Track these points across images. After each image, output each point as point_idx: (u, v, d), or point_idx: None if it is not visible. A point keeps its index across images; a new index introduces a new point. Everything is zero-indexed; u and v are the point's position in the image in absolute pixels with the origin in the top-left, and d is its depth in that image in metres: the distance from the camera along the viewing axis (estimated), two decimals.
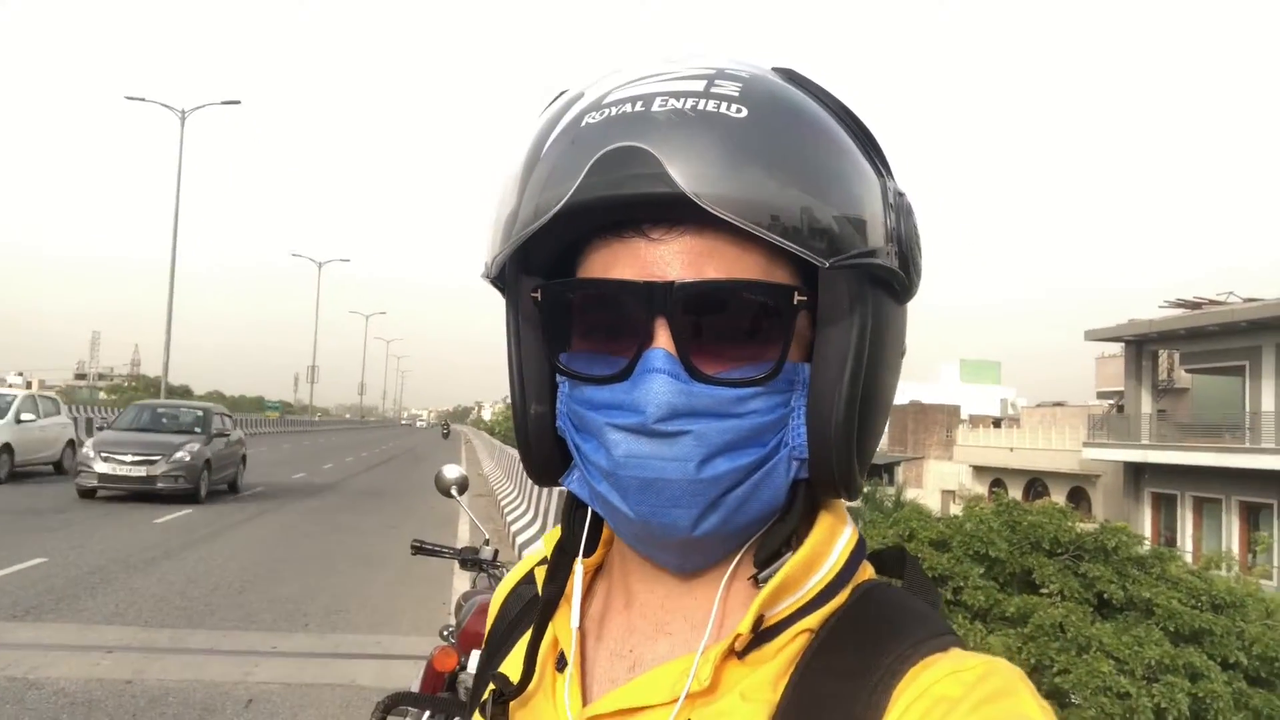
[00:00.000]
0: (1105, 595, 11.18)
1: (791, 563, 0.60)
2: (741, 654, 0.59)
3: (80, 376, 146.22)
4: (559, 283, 0.61)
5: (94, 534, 11.46)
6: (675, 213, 0.55)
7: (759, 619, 0.58)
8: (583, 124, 0.57)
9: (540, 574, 0.71)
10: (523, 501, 14.20)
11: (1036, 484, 33.28)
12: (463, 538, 12.11)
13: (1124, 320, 29.54)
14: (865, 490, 22.59)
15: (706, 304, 0.56)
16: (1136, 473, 27.92)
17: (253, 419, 57.26)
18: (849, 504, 0.69)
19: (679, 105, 0.55)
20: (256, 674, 6.15)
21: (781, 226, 0.54)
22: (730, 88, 0.57)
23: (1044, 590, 10.92)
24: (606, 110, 0.57)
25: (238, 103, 42.48)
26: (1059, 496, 30.54)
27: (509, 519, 14.09)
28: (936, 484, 39.45)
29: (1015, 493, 28.06)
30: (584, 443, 0.61)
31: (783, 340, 0.57)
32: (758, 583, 0.61)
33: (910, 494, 27.55)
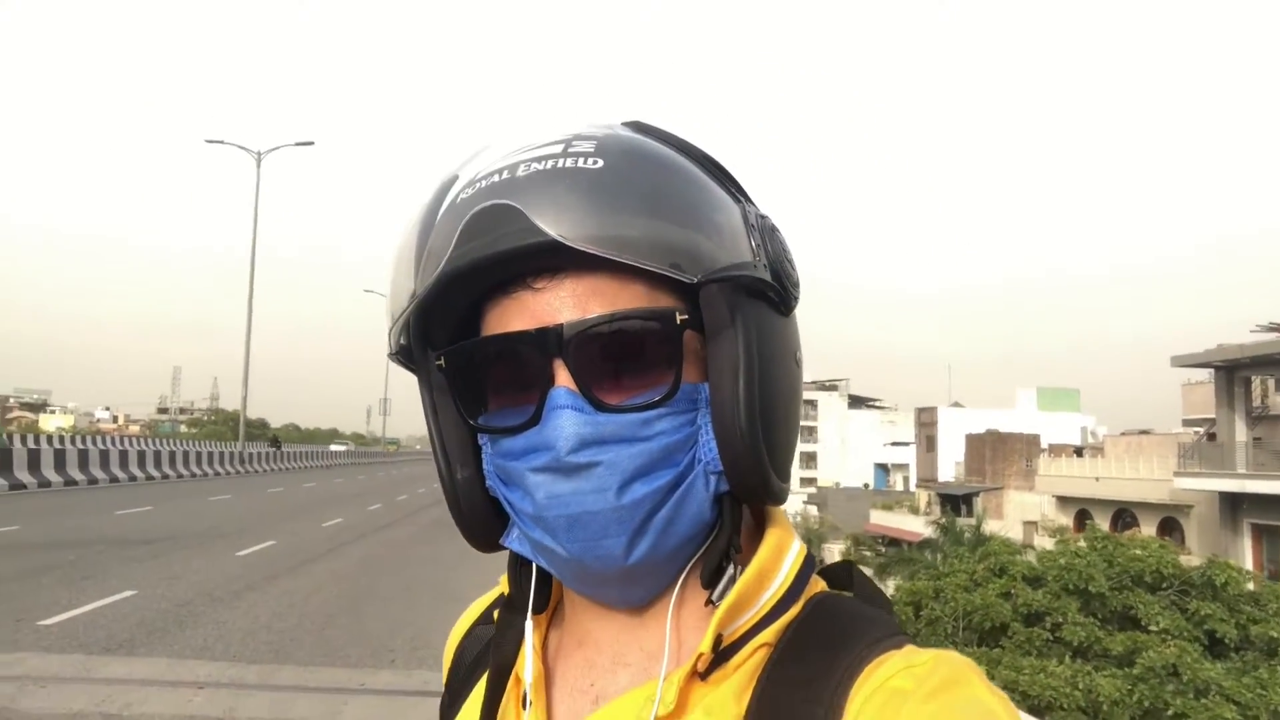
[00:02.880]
0: (1217, 634, 10.62)
1: (743, 580, 0.61)
2: (704, 674, 0.60)
3: (162, 411, 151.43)
4: (457, 346, 0.63)
5: (180, 566, 11.64)
6: (554, 261, 0.59)
7: (719, 638, 0.60)
8: (457, 200, 0.61)
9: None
10: None
11: (1125, 515, 32.00)
12: None
13: (1213, 345, 28.43)
14: (942, 522, 22.00)
15: (596, 338, 0.59)
16: (1234, 503, 26.66)
17: (303, 451, 58.01)
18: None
19: (541, 167, 0.59)
20: (346, 713, 6.10)
21: (650, 255, 0.57)
22: (586, 145, 0.60)
23: (1150, 628, 10.40)
24: (477, 184, 0.61)
25: (311, 144, 43.89)
26: (1149, 528, 29.34)
27: None
28: (1018, 515, 38.24)
29: (1102, 524, 26.97)
30: (512, 494, 0.63)
31: (675, 360, 0.60)
32: (711, 604, 0.62)
33: (991, 525, 26.70)
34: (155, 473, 31.51)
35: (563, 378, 0.59)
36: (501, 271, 0.60)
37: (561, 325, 0.59)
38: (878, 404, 73.17)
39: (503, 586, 0.73)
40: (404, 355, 0.67)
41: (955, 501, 40.09)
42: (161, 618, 8.60)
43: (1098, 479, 33.16)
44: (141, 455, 31.50)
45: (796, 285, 0.66)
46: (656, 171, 0.61)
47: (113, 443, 30.89)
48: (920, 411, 57.00)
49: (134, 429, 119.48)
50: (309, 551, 14.09)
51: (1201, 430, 33.08)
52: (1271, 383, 28.83)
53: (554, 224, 0.56)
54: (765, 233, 0.65)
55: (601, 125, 0.65)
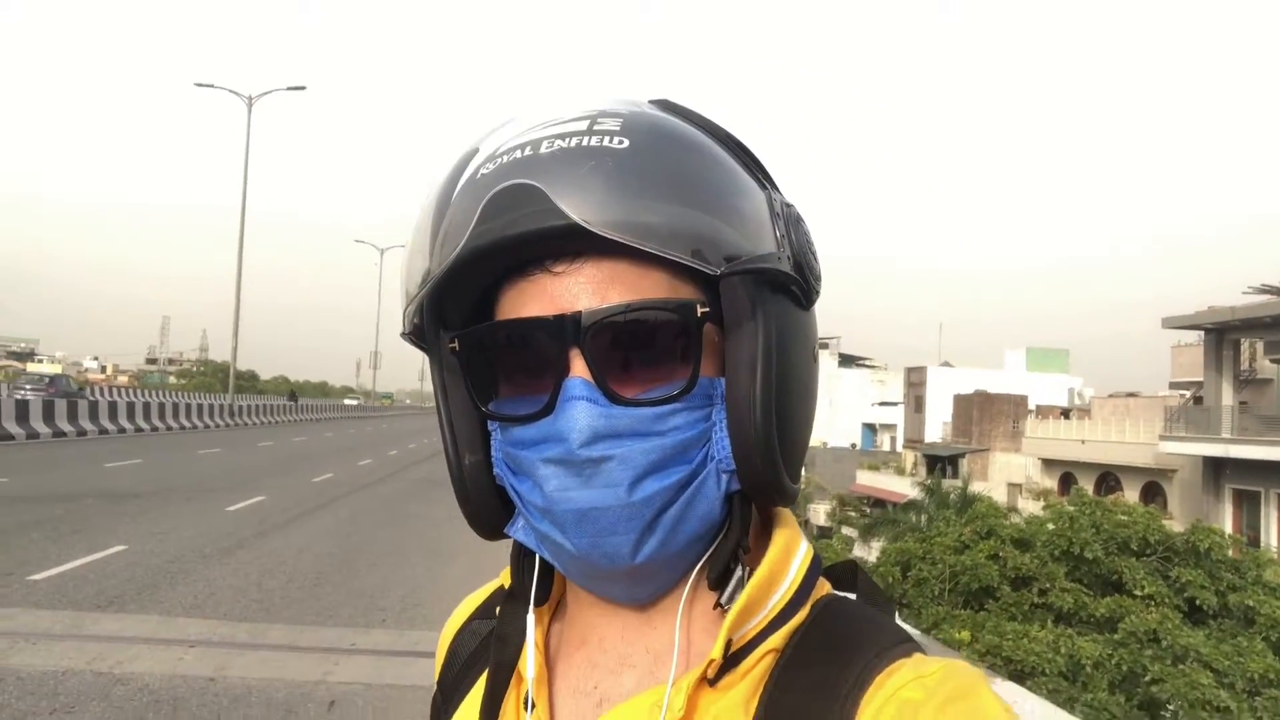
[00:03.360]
0: (1197, 601, 10.77)
1: (752, 584, 0.61)
2: (713, 680, 0.59)
3: (151, 361, 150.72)
4: (472, 330, 0.62)
5: (170, 521, 11.65)
6: (575, 245, 0.57)
7: (728, 643, 0.59)
8: (478, 176, 0.59)
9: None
10: None
11: (1109, 478, 32.31)
12: None
13: (1203, 307, 28.50)
14: (928, 484, 22.19)
15: (614, 328, 0.57)
16: (1217, 468, 26.93)
17: (318, 404, 58.15)
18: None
19: (565, 144, 0.57)
20: (337, 673, 6.12)
21: (673, 243, 0.55)
22: (612, 123, 0.58)
23: (1134, 593, 10.55)
24: (499, 160, 0.58)
25: (303, 88, 43.33)
26: (1132, 492, 29.65)
27: None
28: (1003, 476, 38.56)
29: (1087, 487, 27.21)
30: (520, 484, 0.61)
31: (693, 354, 0.59)
32: (720, 606, 0.61)
33: (975, 487, 26.88)
34: (145, 425, 31.49)
35: (578, 367, 0.58)
36: (520, 252, 0.58)
37: (580, 313, 0.57)
38: (868, 363, 73.29)
39: (501, 579, 0.71)
40: (416, 335, 0.66)
41: (941, 463, 40.36)
42: (151, 574, 8.62)
43: (1083, 442, 33.41)
44: (131, 407, 31.48)
45: (819, 278, 0.65)
46: (683, 155, 0.59)
47: (102, 394, 30.81)
48: (910, 371, 57.17)
49: (123, 379, 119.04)
50: (300, 507, 14.12)
51: (1188, 394, 33.29)
52: (1260, 346, 28.97)
53: (577, 207, 0.54)
54: (790, 222, 0.64)
55: (627, 102, 0.63)
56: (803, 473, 0.66)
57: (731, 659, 0.60)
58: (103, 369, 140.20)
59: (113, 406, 30.17)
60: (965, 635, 9.23)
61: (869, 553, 20.69)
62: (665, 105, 0.64)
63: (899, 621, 0.65)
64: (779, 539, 0.64)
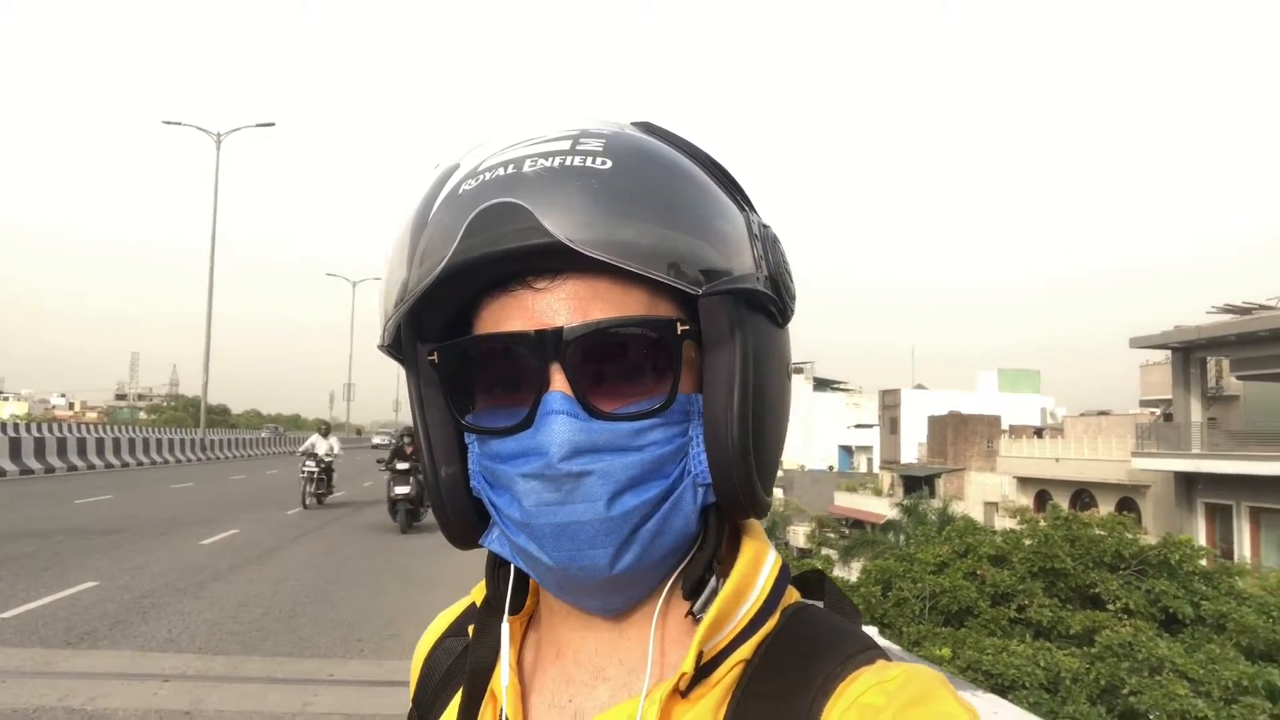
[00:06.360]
0: (1172, 611, 10.87)
1: (723, 595, 0.61)
2: (685, 692, 0.60)
3: (120, 397, 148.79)
4: (453, 343, 0.62)
5: (142, 556, 11.47)
6: (557, 262, 0.58)
7: (699, 655, 0.59)
8: (459, 191, 0.59)
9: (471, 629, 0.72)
10: None
11: (1084, 495, 32.58)
12: None
13: (1170, 327, 28.93)
14: (905, 504, 22.28)
15: (595, 344, 0.58)
16: (1189, 483, 27.23)
17: (288, 437, 57.51)
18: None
19: (548, 164, 0.58)
20: (316, 704, 6.04)
21: (654, 262, 0.56)
22: (594, 144, 0.59)
23: (1110, 606, 10.63)
24: (480, 176, 0.59)
25: (272, 124, 43.28)
26: (1107, 508, 29.88)
27: None
28: (979, 495, 38.78)
29: (1062, 504, 27.38)
30: (498, 498, 0.62)
31: (672, 371, 0.60)
32: (691, 616, 0.62)
33: (952, 506, 27.04)
34: (115, 460, 31.01)
35: (558, 382, 0.58)
36: (503, 268, 0.59)
37: (561, 328, 0.58)
38: (843, 386, 73.71)
39: (472, 596, 0.73)
40: (394, 347, 0.66)
41: (917, 483, 40.53)
42: (124, 609, 8.47)
43: (1057, 460, 33.70)
44: (100, 443, 30.96)
45: (794, 297, 0.66)
46: (665, 176, 0.60)
47: (70, 430, 30.30)
48: (884, 394, 57.49)
49: (91, 416, 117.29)
50: (274, 540, 13.94)
51: (1158, 411, 33.70)
52: (1226, 364, 29.40)
53: (561, 226, 0.55)
54: (768, 243, 0.65)
55: (609, 123, 0.64)
56: (781, 494, 0.69)
57: (703, 670, 0.60)
58: (70, 406, 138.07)
59: (81, 443, 29.64)
60: (946, 652, 9.26)
61: (849, 573, 20.68)
62: (646, 127, 0.65)
63: (867, 628, 0.68)
64: (748, 549, 0.65)
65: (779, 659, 0.61)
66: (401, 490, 15.63)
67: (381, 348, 0.67)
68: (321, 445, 19.82)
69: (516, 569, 0.67)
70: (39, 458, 26.38)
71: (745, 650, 0.62)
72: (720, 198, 0.63)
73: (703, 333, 0.60)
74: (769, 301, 0.63)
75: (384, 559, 12.52)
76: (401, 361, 0.66)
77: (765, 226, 0.66)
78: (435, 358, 0.62)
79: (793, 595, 0.68)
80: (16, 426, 27.25)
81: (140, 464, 32.51)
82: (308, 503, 19.04)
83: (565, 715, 0.65)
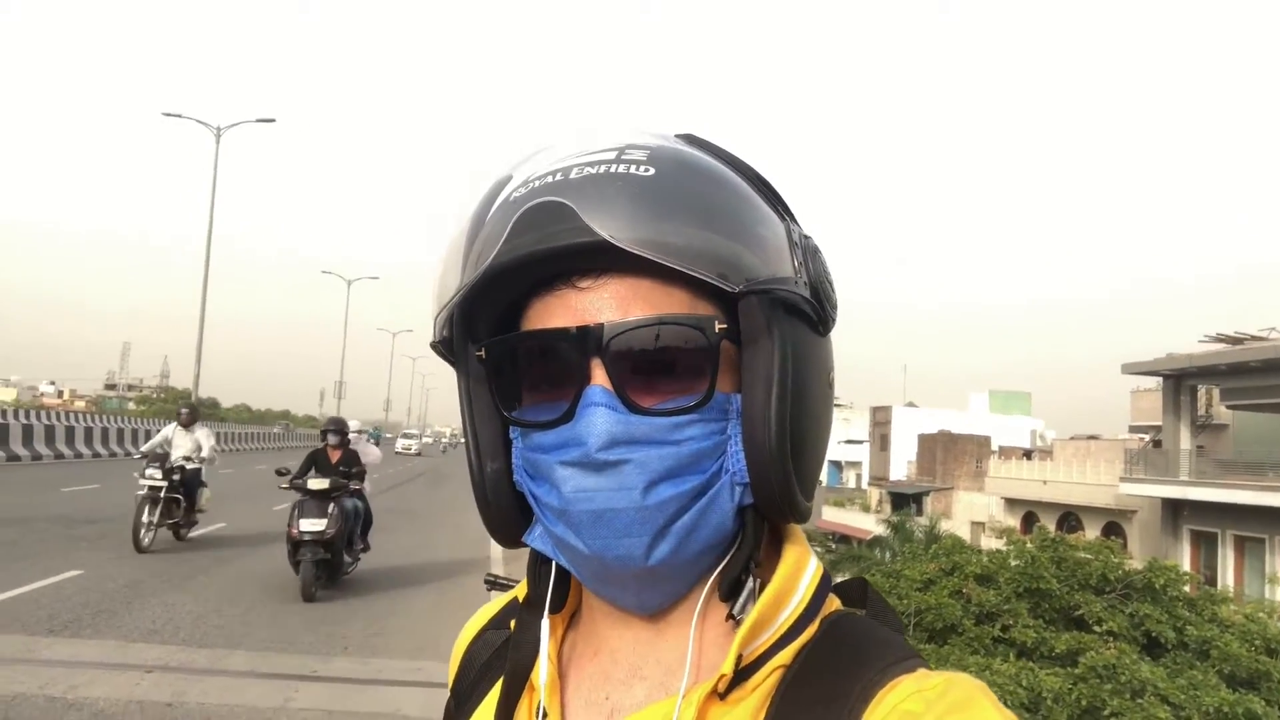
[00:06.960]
0: (1154, 635, 10.88)
1: (763, 599, 0.62)
2: (723, 694, 0.61)
3: (110, 387, 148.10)
4: (499, 339, 0.65)
5: (128, 546, 11.42)
6: (600, 262, 0.60)
7: (739, 657, 0.60)
8: (510, 198, 0.62)
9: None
10: None
11: (1070, 518, 32.64)
12: (495, 557, 11.98)
13: (1162, 354, 29.05)
14: (893, 520, 22.25)
15: (635, 341, 0.60)
16: (1175, 509, 27.31)
17: (271, 433, 57.36)
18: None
19: (594, 170, 0.60)
20: (298, 700, 6.03)
21: (695, 262, 0.58)
22: (639, 154, 0.62)
23: (1094, 628, 10.64)
24: (531, 184, 0.61)
25: (272, 120, 43.13)
26: (1093, 531, 29.96)
27: None
28: (966, 515, 38.83)
29: (1049, 526, 27.40)
30: (538, 488, 0.64)
31: (711, 368, 0.61)
32: (731, 619, 0.62)
33: (939, 525, 27.06)
34: (103, 450, 30.88)
35: (599, 377, 0.60)
36: (548, 268, 0.61)
37: (602, 325, 0.60)
38: (835, 401, 73.81)
39: (518, 591, 0.74)
40: (445, 346, 0.69)
41: (905, 500, 40.58)
42: (108, 599, 8.45)
43: (1045, 482, 33.78)
44: (89, 432, 30.82)
45: (835, 307, 0.68)
46: (706, 183, 0.62)
47: (59, 418, 30.15)
48: (875, 410, 57.59)
49: (79, 404, 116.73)
50: (261, 535, 13.88)
51: (1148, 437, 33.82)
52: (1217, 392, 29.52)
53: (604, 224, 0.57)
54: (808, 252, 0.66)
55: (654, 135, 0.66)
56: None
57: (741, 673, 0.61)
58: (60, 394, 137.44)
59: (70, 431, 29.51)
60: None
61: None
62: (690, 139, 0.68)
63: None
64: (789, 555, 0.66)
65: (819, 666, 0.62)
66: (312, 526, 9.35)
67: (432, 345, 0.70)
68: (182, 443, 12.25)
69: (558, 567, 0.68)
70: (27, 445, 26.25)
71: (785, 656, 0.63)
72: (760, 206, 0.65)
73: (741, 332, 0.61)
74: (808, 307, 0.65)
75: (370, 558, 12.45)
76: (452, 362, 0.69)
77: (806, 237, 0.68)
78: (483, 353, 0.65)
79: (834, 603, 0.69)
80: (4, 413, 27.07)
81: (129, 454, 32.31)
82: (143, 540, 11.11)
83: (602, 712, 0.66)
